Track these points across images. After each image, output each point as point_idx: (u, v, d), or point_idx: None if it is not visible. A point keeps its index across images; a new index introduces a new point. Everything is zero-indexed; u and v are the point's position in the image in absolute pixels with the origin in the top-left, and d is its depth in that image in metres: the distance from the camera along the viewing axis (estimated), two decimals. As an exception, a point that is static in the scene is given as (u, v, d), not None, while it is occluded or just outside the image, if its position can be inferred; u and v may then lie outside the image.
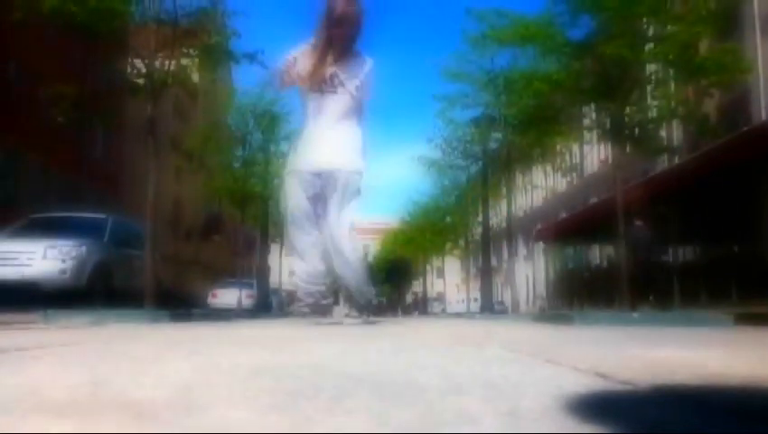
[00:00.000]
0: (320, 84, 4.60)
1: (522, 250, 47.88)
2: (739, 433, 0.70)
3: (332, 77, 4.61)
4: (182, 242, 38.38)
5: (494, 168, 16.40)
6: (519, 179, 29.58)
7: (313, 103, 4.67)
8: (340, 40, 4.59)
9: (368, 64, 4.79)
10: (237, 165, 16.75)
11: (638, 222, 13.36)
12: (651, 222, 12.17)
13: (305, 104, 4.75)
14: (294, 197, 4.71)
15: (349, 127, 4.69)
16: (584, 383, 1.07)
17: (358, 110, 4.78)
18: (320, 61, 4.58)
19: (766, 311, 7.88)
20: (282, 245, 22.37)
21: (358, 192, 4.67)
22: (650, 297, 12.48)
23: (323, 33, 4.61)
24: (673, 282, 11.58)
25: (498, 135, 15.21)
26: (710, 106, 15.23)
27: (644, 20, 8.30)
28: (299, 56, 4.66)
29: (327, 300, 4.84)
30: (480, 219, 19.82)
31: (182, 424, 0.74)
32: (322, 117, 4.63)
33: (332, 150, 4.59)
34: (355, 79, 4.65)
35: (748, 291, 9.41)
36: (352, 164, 4.64)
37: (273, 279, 18.86)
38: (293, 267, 4.98)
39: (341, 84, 4.61)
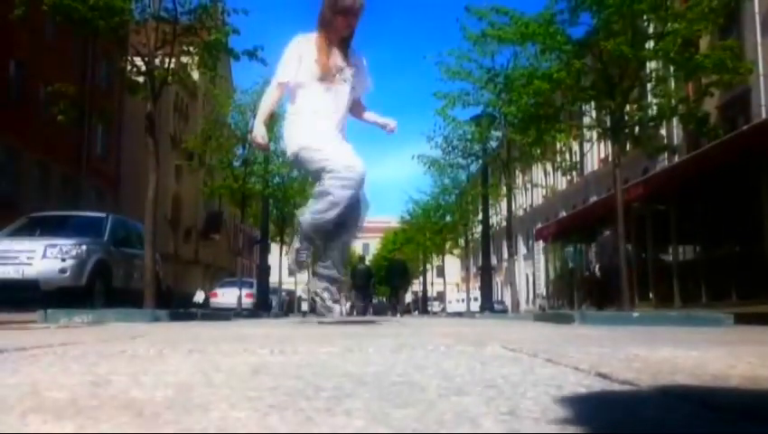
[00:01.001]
0: (332, 74, 4.54)
1: (522, 250, 47.93)
2: (740, 433, 0.70)
3: (338, 67, 4.56)
4: (181, 241, 38.40)
5: (494, 167, 16.38)
6: (519, 178, 29.58)
7: (322, 91, 4.54)
8: (342, 31, 4.55)
9: (363, 61, 4.78)
10: (237, 163, 16.74)
11: (606, 232, 14.81)
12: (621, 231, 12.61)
13: (310, 89, 4.57)
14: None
15: (345, 126, 4.68)
16: (584, 384, 1.07)
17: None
18: (328, 51, 4.55)
19: (766, 311, 7.89)
20: (282, 244, 22.38)
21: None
22: (651, 296, 12.53)
23: (324, 23, 4.56)
24: (672, 282, 11.60)
25: (498, 133, 15.18)
26: (710, 104, 15.24)
27: (645, 17, 8.29)
28: (304, 52, 4.58)
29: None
30: (480, 218, 19.81)
31: (183, 424, 0.74)
32: (336, 108, 4.56)
33: (353, 152, 4.55)
34: (352, 72, 4.62)
35: (748, 291, 9.41)
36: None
37: (273, 279, 18.86)
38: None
39: (346, 76, 4.58)
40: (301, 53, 4.56)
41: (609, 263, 13.94)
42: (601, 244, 14.78)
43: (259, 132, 4.67)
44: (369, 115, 4.99)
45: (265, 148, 4.92)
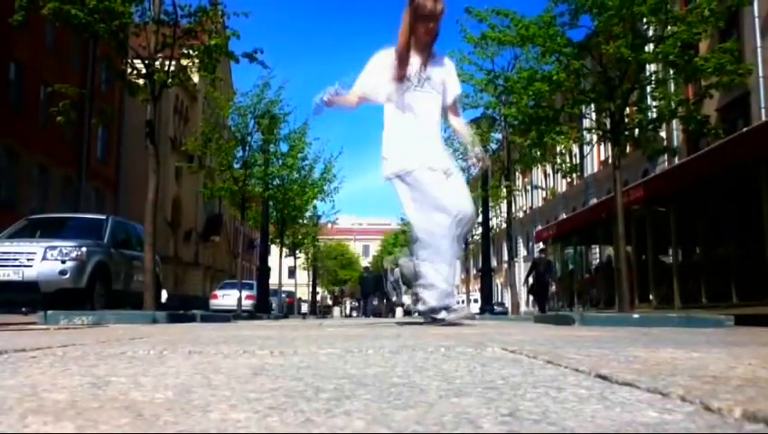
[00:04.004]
0: (410, 80, 4.45)
1: (522, 251, 47.91)
2: (740, 435, 0.70)
3: (421, 74, 4.48)
4: (181, 243, 38.41)
5: (494, 169, 16.40)
6: (519, 180, 29.49)
7: (404, 100, 4.47)
8: (424, 37, 4.46)
9: (449, 65, 4.70)
10: (237, 165, 16.76)
11: (540, 254, 18.73)
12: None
13: (395, 101, 4.52)
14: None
15: (439, 133, 4.61)
16: (585, 385, 1.07)
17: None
18: (405, 57, 4.47)
19: (767, 312, 7.89)
20: (282, 246, 22.39)
21: None
22: (651, 298, 12.53)
23: (407, 30, 4.48)
24: (673, 283, 11.60)
25: (498, 135, 15.21)
26: (710, 107, 15.25)
27: (644, 20, 8.30)
28: (385, 62, 4.51)
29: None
30: (480, 220, 19.82)
31: (183, 425, 0.74)
32: (417, 115, 4.46)
33: (442, 154, 4.51)
34: (441, 78, 4.55)
35: (749, 292, 9.41)
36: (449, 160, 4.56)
37: (273, 281, 18.89)
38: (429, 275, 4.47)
39: (429, 82, 4.49)
40: (383, 66, 4.50)
41: (542, 279, 17.06)
42: (535, 263, 17.84)
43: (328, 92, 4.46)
44: (459, 126, 4.90)
45: (321, 109, 4.49)
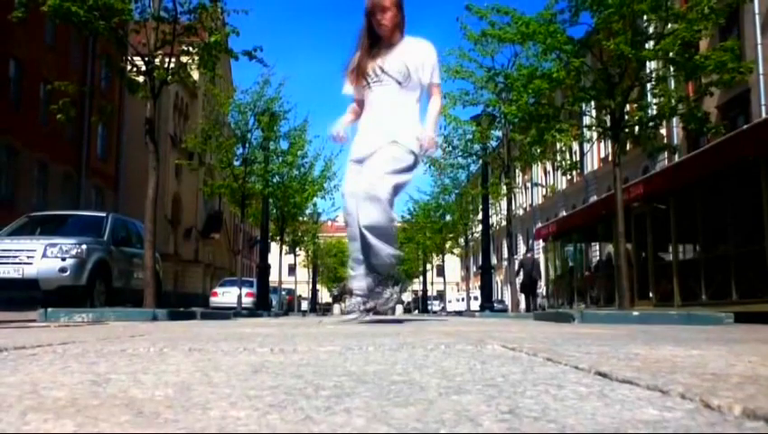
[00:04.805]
0: (364, 78, 4.63)
1: (522, 249, 47.93)
2: (741, 433, 0.70)
3: (375, 68, 4.62)
4: (181, 241, 38.41)
5: (494, 166, 16.38)
6: (519, 177, 29.47)
7: (363, 96, 4.74)
8: (379, 30, 4.58)
9: (423, 51, 4.69)
10: (237, 163, 16.73)
11: (527, 254, 19.81)
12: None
13: (364, 98, 4.78)
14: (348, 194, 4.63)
15: (402, 116, 4.60)
16: (584, 382, 1.07)
17: (413, 95, 4.68)
18: (364, 55, 4.64)
19: (766, 309, 7.89)
20: (282, 243, 22.40)
21: (400, 160, 4.49)
22: (651, 295, 12.53)
23: (365, 25, 4.64)
24: (673, 281, 11.60)
25: (498, 133, 15.18)
26: (711, 104, 15.23)
27: (645, 17, 8.29)
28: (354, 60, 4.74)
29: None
30: (479, 217, 19.85)
31: (183, 423, 0.74)
32: (370, 108, 4.67)
33: (377, 138, 4.57)
34: (401, 66, 4.58)
35: (748, 290, 9.41)
36: (391, 139, 4.55)
37: (273, 278, 18.90)
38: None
39: (385, 74, 4.59)
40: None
41: (528, 279, 18.26)
42: (522, 263, 18.93)
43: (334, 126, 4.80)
44: (428, 111, 4.85)
45: (339, 140, 4.87)
